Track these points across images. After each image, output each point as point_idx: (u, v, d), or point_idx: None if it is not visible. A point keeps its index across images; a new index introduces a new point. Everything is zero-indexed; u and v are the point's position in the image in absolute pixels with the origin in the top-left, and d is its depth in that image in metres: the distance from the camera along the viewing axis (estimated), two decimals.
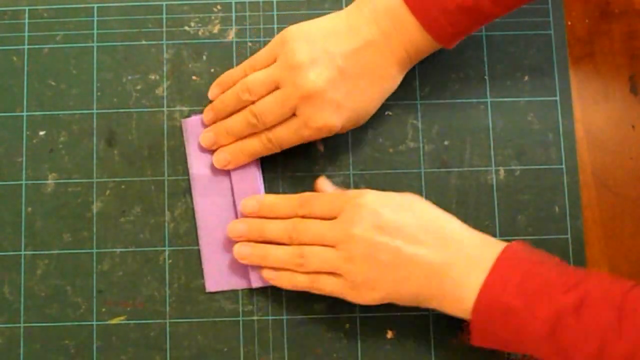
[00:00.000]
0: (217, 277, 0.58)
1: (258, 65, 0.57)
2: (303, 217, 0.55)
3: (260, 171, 0.59)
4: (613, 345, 0.46)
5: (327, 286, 0.54)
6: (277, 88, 0.55)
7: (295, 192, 0.59)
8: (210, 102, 0.59)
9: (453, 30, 0.54)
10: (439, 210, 0.54)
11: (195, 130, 0.59)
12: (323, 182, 0.59)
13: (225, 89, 0.59)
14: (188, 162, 0.59)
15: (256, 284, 0.58)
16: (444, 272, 0.51)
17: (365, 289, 0.53)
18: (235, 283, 0.58)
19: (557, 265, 0.51)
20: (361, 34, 0.55)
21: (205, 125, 0.59)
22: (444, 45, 0.56)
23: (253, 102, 0.56)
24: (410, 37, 0.55)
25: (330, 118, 0.55)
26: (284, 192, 0.60)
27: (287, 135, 0.56)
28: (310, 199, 0.55)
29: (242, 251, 0.56)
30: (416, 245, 0.52)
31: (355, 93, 0.55)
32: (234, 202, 0.58)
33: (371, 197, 0.53)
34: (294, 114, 0.55)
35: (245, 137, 0.57)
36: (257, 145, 0.57)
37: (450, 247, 0.52)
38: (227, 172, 0.58)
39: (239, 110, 0.57)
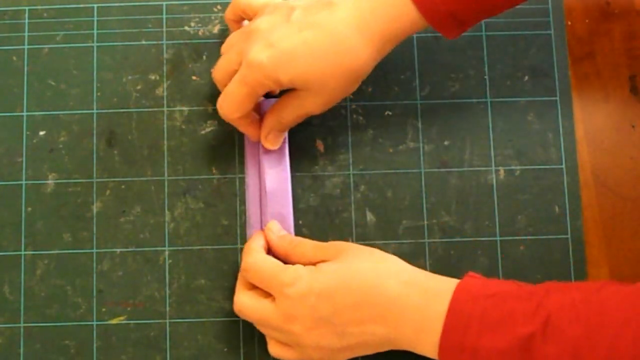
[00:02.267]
0: None
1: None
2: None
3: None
4: (588, 358, 0.45)
5: None
6: None
7: (295, 192, 0.59)
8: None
9: (444, 9, 0.51)
10: (374, 271, 0.51)
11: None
12: (273, 225, 0.57)
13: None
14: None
15: None
16: (395, 336, 0.50)
17: (331, 354, 0.52)
18: None
19: (513, 292, 0.49)
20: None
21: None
22: (437, 28, 0.52)
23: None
24: (395, 10, 0.51)
25: (260, 52, 0.51)
26: None
27: (234, 86, 0.54)
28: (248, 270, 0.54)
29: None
30: (357, 331, 0.50)
31: (297, 43, 0.51)
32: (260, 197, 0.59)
33: (305, 284, 0.51)
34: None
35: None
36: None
37: (392, 317, 0.50)
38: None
39: None
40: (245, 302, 0.53)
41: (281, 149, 0.58)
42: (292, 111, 0.55)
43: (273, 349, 0.54)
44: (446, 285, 0.50)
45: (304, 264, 0.53)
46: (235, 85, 0.53)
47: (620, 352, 0.44)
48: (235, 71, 0.54)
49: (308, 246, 0.55)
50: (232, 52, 0.55)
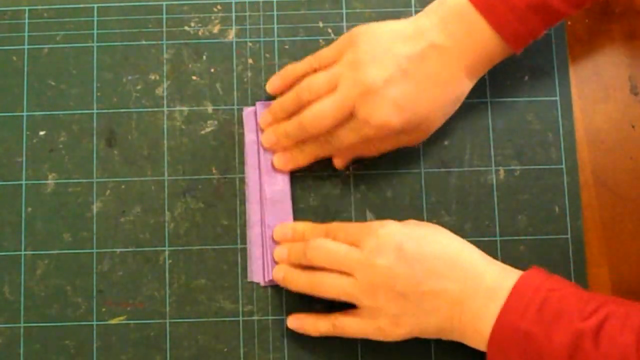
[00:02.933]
0: (260, 268, 0.58)
1: (323, 61, 0.57)
2: None
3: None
4: None
5: (349, 328, 0.54)
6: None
7: (295, 192, 0.59)
8: (270, 96, 0.60)
9: (523, 30, 0.54)
10: (459, 241, 0.54)
11: (249, 121, 0.60)
12: None
13: (287, 82, 0.58)
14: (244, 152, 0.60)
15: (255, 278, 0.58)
16: (465, 304, 0.51)
17: (391, 326, 0.53)
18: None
19: (575, 291, 0.50)
20: (428, 38, 0.54)
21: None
22: (513, 48, 0.55)
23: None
24: (481, 40, 0.54)
25: (389, 116, 0.54)
26: None
27: (346, 135, 0.56)
28: (335, 228, 0.56)
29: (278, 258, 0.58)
30: (437, 278, 0.51)
31: (417, 95, 0.54)
32: (261, 202, 0.59)
33: (394, 228, 0.53)
34: (352, 116, 0.55)
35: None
36: (316, 148, 0.58)
37: (469, 279, 0.52)
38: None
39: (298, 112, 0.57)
40: (326, 280, 0.54)
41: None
42: (389, 145, 0.58)
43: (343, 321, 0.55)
44: (516, 271, 0.52)
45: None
46: (347, 131, 0.55)
47: None
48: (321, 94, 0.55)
49: (350, 228, 0.55)
50: (340, 101, 0.55)
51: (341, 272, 0.53)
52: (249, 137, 0.60)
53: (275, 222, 0.58)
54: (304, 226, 0.58)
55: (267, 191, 0.58)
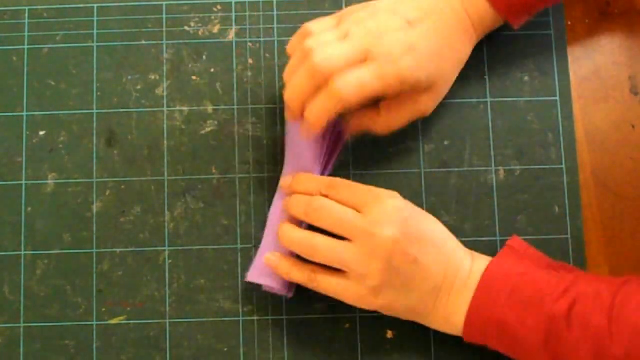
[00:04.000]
0: (260, 270, 0.56)
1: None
2: (325, 197, 0.54)
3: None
4: (607, 349, 0.47)
5: (327, 285, 0.53)
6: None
7: None
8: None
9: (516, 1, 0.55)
10: (444, 228, 0.54)
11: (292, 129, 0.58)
12: None
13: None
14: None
15: (252, 278, 0.56)
16: (442, 289, 0.52)
17: (370, 296, 0.52)
18: (271, 282, 0.56)
19: (545, 271, 0.51)
20: (425, 3, 0.54)
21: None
22: (507, 18, 0.56)
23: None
24: (474, 5, 0.55)
25: (402, 55, 0.52)
26: None
27: (357, 80, 0.51)
28: (340, 184, 0.54)
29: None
30: (428, 259, 0.52)
31: (427, 45, 0.53)
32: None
33: (401, 202, 0.53)
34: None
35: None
36: (326, 101, 0.52)
37: (450, 266, 0.52)
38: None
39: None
40: (322, 243, 0.52)
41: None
42: (407, 115, 0.56)
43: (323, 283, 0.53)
44: (485, 258, 0.53)
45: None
46: (370, 75, 0.51)
47: None
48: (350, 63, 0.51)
49: (357, 189, 0.54)
50: (351, 45, 0.52)
51: (339, 237, 0.52)
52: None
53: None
54: (305, 176, 0.56)
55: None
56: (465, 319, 0.51)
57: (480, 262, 0.53)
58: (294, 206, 0.54)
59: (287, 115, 0.56)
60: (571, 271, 0.52)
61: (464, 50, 0.57)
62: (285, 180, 0.57)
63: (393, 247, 0.51)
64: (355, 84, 0.51)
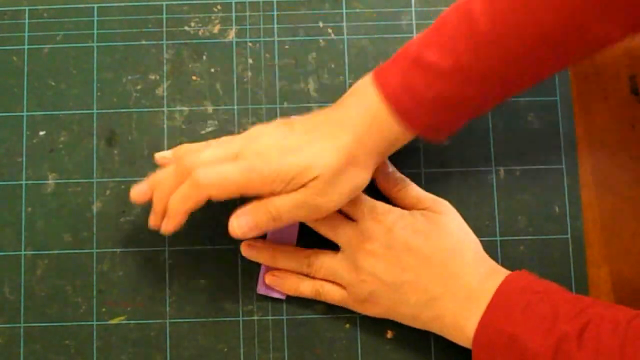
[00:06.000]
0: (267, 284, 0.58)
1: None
2: None
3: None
4: None
5: (332, 294, 0.56)
6: None
7: None
8: None
9: (430, 122, 0.51)
10: (457, 236, 0.55)
11: None
12: None
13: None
14: None
15: (262, 291, 0.58)
16: (442, 302, 0.52)
17: (368, 303, 0.55)
18: (281, 294, 0.58)
19: (560, 294, 0.51)
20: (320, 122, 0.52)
21: None
22: (430, 137, 0.52)
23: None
24: (385, 132, 0.51)
25: (273, 155, 0.51)
26: None
27: (218, 172, 0.51)
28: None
29: (250, 247, 0.57)
30: (417, 273, 0.53)
31: (301, 140, 0.52)
32: None
33: (393, 217, 0.54)
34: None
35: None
36: (185, 189, 0.52)
37: (451, 279, 0.52)
38: None
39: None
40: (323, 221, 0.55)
41: None
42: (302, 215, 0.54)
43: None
44: (503, 272, 0.53)
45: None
46: (232, 168, 0.51)
47: None
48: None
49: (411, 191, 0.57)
50: (224, 148, 0.52)
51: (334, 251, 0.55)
52: None
53: (277, 235, 0.58)
54: None
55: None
56: (476, 330, 0.50)
57: (496, 276, 0.52)
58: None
59: (150, 218, 0.54)
60: (587, 297, 0.52)
61: (367, 179, 0.53)
62: None
63: (376, 258, 0.53)
64: (215, 173, 0.50)
